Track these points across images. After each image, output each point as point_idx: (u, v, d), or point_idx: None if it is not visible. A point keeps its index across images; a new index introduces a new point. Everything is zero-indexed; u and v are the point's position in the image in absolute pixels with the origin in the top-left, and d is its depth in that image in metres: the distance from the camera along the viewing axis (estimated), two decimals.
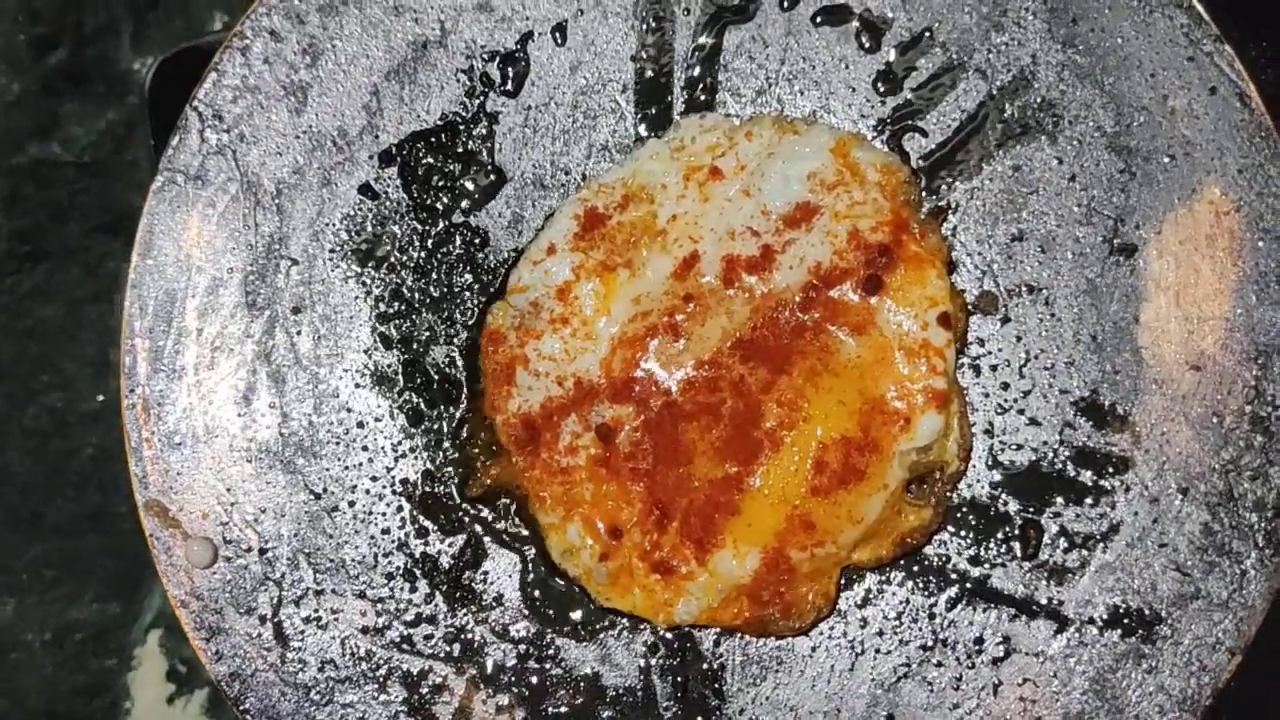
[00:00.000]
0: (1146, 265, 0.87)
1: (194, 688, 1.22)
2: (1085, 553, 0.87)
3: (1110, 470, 0.87)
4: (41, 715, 1.23)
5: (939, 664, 0.87)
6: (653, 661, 0.89)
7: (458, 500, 0.91)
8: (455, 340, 0.92)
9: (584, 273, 0.89)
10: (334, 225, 0.91)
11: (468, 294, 0.92)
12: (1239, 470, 0.85)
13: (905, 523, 0.87)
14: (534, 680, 0.89)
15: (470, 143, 0.92)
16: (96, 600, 1.22)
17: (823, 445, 0.85)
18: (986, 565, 0.87)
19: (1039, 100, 0.88)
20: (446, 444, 0.91)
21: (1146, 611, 0.86)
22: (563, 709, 0.89)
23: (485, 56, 0.91)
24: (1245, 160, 0.86)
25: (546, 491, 0.89)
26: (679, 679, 0.89)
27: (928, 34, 0.89)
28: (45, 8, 1.23)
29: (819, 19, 0.90)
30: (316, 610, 0.89)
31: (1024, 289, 0.88)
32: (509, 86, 0.92)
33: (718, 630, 0.89)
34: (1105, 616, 0.86)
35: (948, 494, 0.88)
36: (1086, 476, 0.87)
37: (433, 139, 0.92)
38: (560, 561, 0.89)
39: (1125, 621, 0.86)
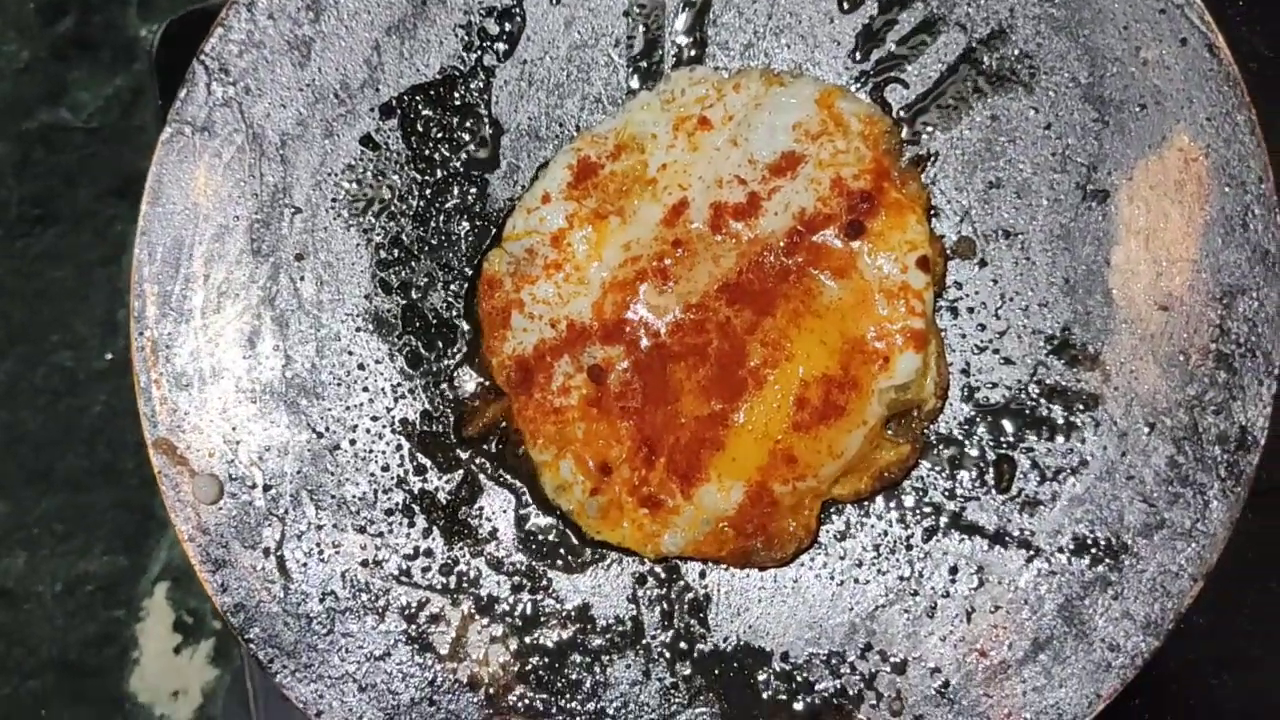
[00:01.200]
0: (1118, 210, 0.90)
1: (199, 638, 1.26)
2: (1056, 486, 0.89)
3: (1081, 407, 0.89)
4: (53, 664, 1.26)
5: (915, 593, 0.90)
6: (640, 592, 0.92)
7: (454, 439, 0.94)
8: (453, 286, 0.95)
9: (577, 220, 0.92)
10: (336, 175, 0.94)
11: (465, 241, 0.95)
12: (1203, 406, 0.88)
13: (884, 458, 0.90)
14: (527, 611, 0.92)
15: (468, 96, 0.95)
16: (106, 553, 1.26)
17: (804, 383, 0.88)
18: (961, 498, 0.90)
19: (1016, 52, 0.91)
20: (444, 385, 0.94)
21: (1114, 541, 0.88)
22: (555, 638, 0.92)
23: (482, 12, 0.95)
24: (1213, 109, 0.89)
25: (540, 430, 0.92)
26: (666, 608, 0.92)
27: None
28: None
29: None
30: (318, 544, 0.92)
31: (1000, 234, 0.91)
32: (505, 41, 0.95)
33: (703, 562, 0.92)
34: (1074, 546, 0.89)
35: (925, 430, 0.91)
36: (1058, 413, 0.90)
37: (431, 92, 0.95)
38: (553, 497, 0.93)
39: (1093, 550, 0.89)
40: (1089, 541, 0.89)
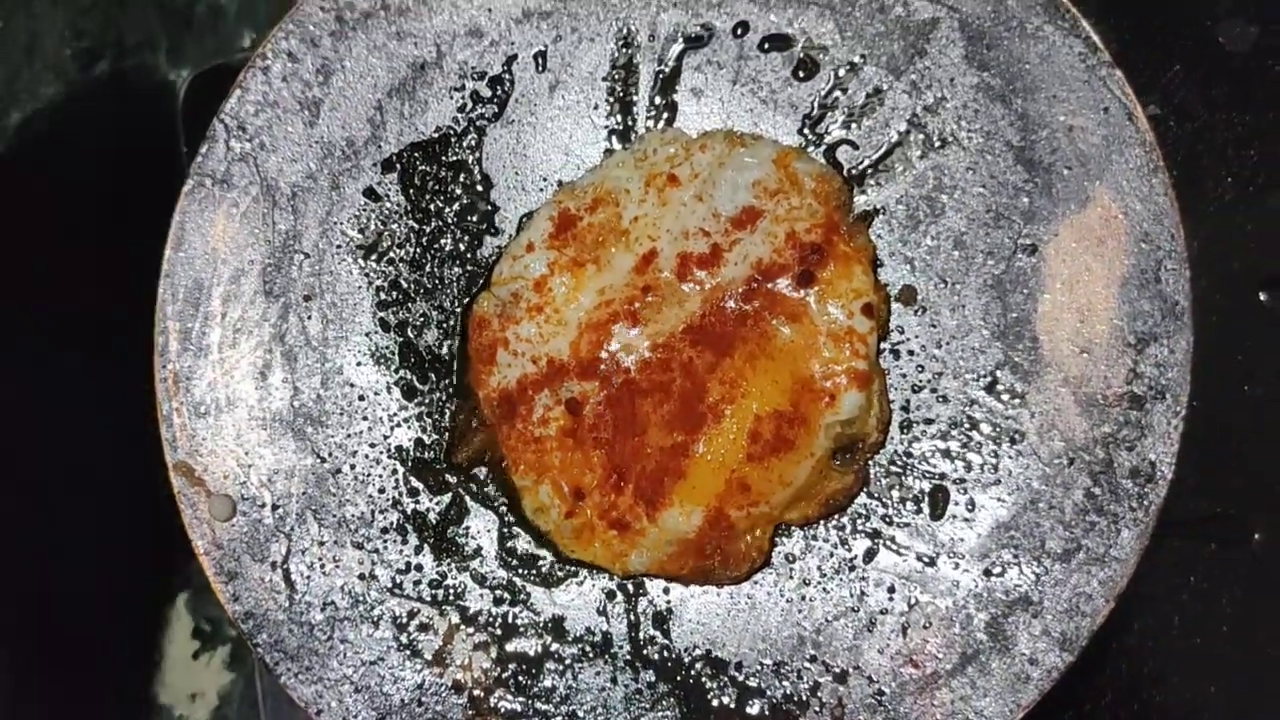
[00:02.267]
0: (1045, 262, 0.97)
1: (217, 645, 1.32)
2: (984, 513, 0.96)
3: (1008, 442, 0.96)
4: None
5: (856, 610, 0.97)
6: (609, 606, 0.99)
7: (445, 465, 1.01)
8: (445, 325, 1.02)
9: (557, 267, 0.99)
10: (341, 224, 1.02)
11: (456, 285, 1.03)
12: (1117, 442, 0.95)
13: (830, 486, 0.98)
14: (506, 621, 0.99)
15: (461, 152, 1.02)
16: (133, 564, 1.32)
17: (758, 418, 0.95)
18: (899, 524, 0.97)
19: (956, 117, 0.98)
20: (436, 415, 1.01)
21: (1035, 565, 0.95)
22: (531, 647, 0.99)
23: (475, 77, 1.02)
24: (1131, 172, 0.96)
25: (521, 458, 0.99)
26: (632, 621, 0.99)
27: (861, 59, 0.99)
28: (88, 25, 1.33)
29: (766, 45, 1.01)
30: (320, 559, 1.00)
31: (940, 282, 0.98)
32: (495, 104, 1.02)
33: (667, 579, 0.99)
34: (999, 569, 0.96)
35: (868, 462, 0.98)
36: (988, 448, 0.97)
37: (428, 149, 1.02)
38: (532, 518, 1.00)
39: (1016, 573, 0.95)
40: (1013, 565, 0.96)
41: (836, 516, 0.98)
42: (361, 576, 1.00)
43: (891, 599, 0.97)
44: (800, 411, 0.96)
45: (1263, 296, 1.21)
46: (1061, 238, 0.97)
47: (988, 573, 0.96)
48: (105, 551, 1.31)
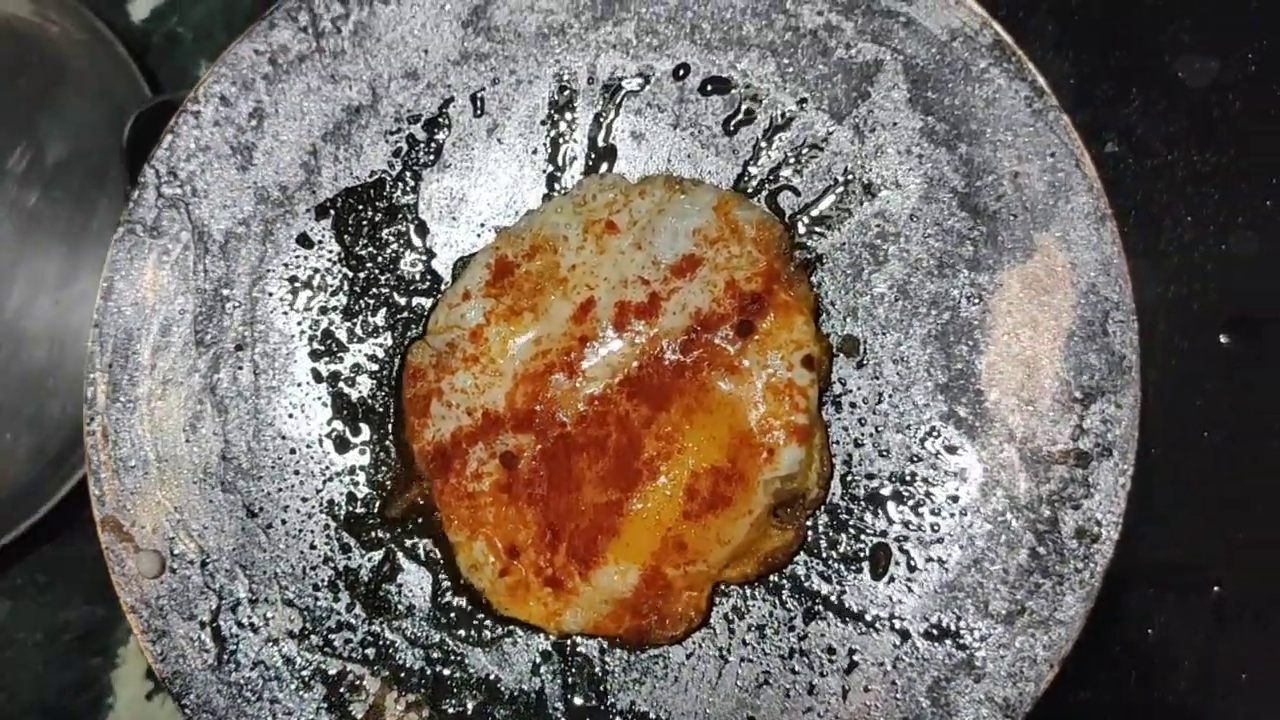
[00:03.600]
0: (991, 314, 0.92)
1: None
2: (926, 574, 0.92)
3: (952, 499, 0.92)
4: (33, 708, 1.29)
5: (795, 671, 0.92)
6: (544, 667, 0.95)
7: (378, 520, 0.97)
8: (380, 375, 0.98)
9: (494, 317, 0.95)
10: (274, 271, 0.98)
11: (390, 334, 0.99)
12: (1062, 501, 0.90)
13: (770, 544, 0.93)
14: (439, 682, 0.95)
15: (397, 197, 0.99)
16: (85, 603, 1.29)
17: (694, 475, 0.91)
18: (839, 583, 0.93)
19: (899, 163, 0.94)
20: (370, 469, 0.98)
21: (980, 627, 0.91)
22: (465, 707, 0.95)
23: (411, 120, 0.99)
24: (1078, 220, 0.92)
25: (455, 513, 0.95)
26: (567, 682, 0.94)
27: (802, 103, 0.96)
28: None
29: (707, 87, 0.97)
30: (250, 616, 0.96)
31: (882, 332, 0.94)
32: (431, 148, 0.99)
33: (603, 639, 0.95)
34: (940, 631, 0.91)
35: (808, 519, 0.94)
36: (930, 505, 0.92)
37: (363, 194, 0.99)
38: (466, 575, 0.96)
39: (958, 636, 0.91)
40: (955, 628, 0.91)
41: (775, 575, 0.94)
42: (292, 634, 0.96)
43: (832, 661, 0.92)
44: (738, 467, 0.92)
45: (1224, 339, 1.18)
46: (1007, 288, 0.93)
47: (929, 635, 0.91)
48: (55, 588, 1.30)
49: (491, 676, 0.96)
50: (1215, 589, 1.15)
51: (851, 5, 0.96)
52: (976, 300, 0.93)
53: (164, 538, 0.97)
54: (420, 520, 0.98)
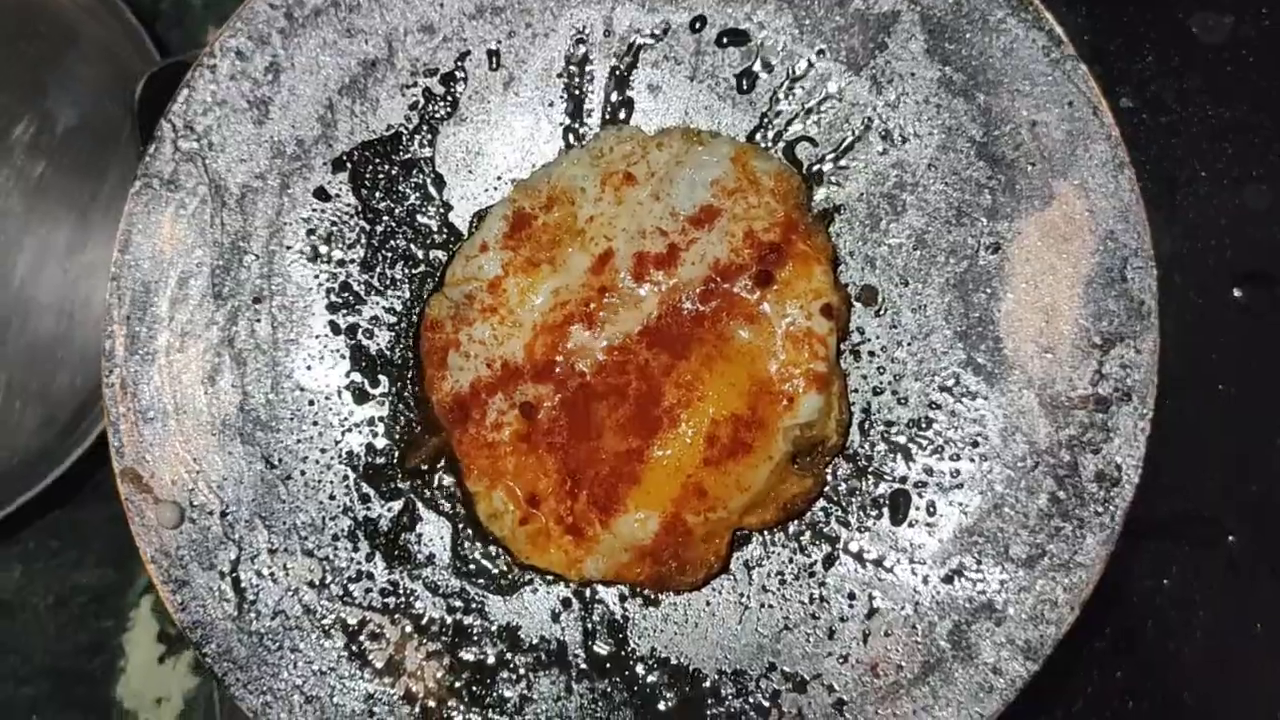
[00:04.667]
0: (1008, 261, 0.95)
1: (182, 649, 1.31)
2: (946, 519, 0.94)
3: (970, 445, 0.94)
4: (46, 671, 1.31)
5: (815, 616, 0.94)
6: (564, 615, 0.97)
7: (397, 470, 0.99)
8: (398, 327, 1.01)
9: (512, 268, 0.97)
10: (291, 224, 1.00)
11: (408, 286, 1.01)
12: (1082, 446, 0.93)
13: (789, 490, 0.95)
14: (459, 630, 0.97)
15: (413, 150, 1.01)
16: (96, 566, 1.31)
17: (714, 422, 0.93)
18: (859, 529, 0.95)
19: (917, 113, 0.96)
20: (388, 420, 1.00)
21: (999, 571, 0.93)
22: (485, 656, 0.97)
23: (427, 73, 1.01)
24: (1096, 168, 0.94)
25: (475, 463, 0.97)
26: (587, 629, 0.97)
27: (820, 53, 0.98)
28: None
29: (724, 40, 0.99)
30: (270, 567, 0.98)
31: (901, 282, 0.96)
32: (448, 101, 1.01)
33: (623, 586, 0.97)
34: (962, 575, 0.93)
35: (827, 465, 0.96)
36: (950, 451, 0.95)
37: (380, 147, 1.01)
38: (486, 524, 0.98)
39: (979, 580, 0.93)
40: (975, 571, 0.94)
41: (795, 521, 0.96)
42: (312, 584, 0.98)
43: (852, 605, 0.95)
44: (758, 415, 0.94)
45: (1237, 293, 1.20)
46: (1025, 235, 0.95)
47: (949, 579, 0.94)
48: (67, 552, 1.32)
49: (512, 624, 0.98)
50: (1229, 539, 1.18)
51: None
52: (994, 249, 0.95)
53: (183, 489, 0.98)
54: (440, 471, 1.00)
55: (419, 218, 1.01)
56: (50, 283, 1.35)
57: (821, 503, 0.96)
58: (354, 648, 0.98)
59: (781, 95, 0.99)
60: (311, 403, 1.00)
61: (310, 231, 1.01)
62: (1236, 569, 1.17)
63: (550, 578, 0.98)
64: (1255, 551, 1.18)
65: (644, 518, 0.94)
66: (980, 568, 0.94)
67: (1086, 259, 0.94)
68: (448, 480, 1.00)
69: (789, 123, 0.99)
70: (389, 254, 1.01)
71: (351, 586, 0.99)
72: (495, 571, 0.99)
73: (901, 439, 0.96)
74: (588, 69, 1.01)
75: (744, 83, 1.00)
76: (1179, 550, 1.18)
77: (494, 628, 0.98)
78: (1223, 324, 1.20)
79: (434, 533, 0.99)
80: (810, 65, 0.98)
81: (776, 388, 0.94)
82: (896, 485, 0.96)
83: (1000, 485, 0.94)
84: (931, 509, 0.95)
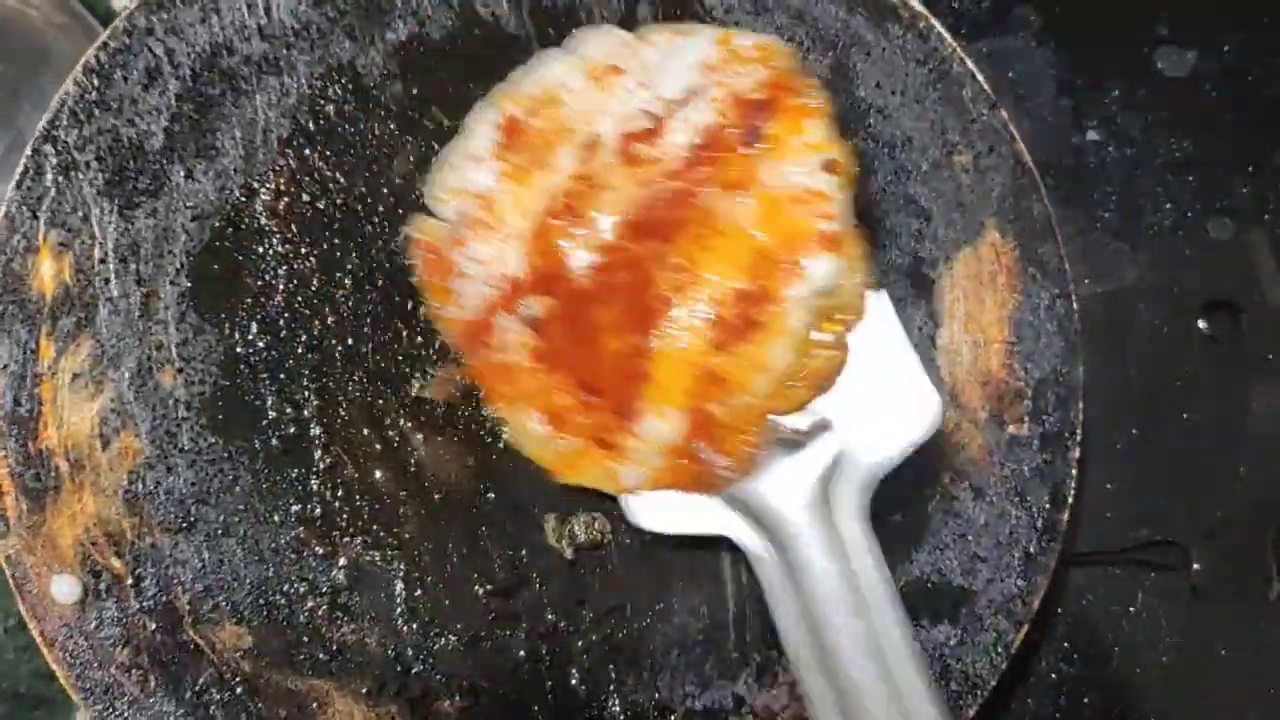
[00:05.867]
0: (942, 297, 1.05)
1: None
2: (905, 550, 1.04)
3: (920, 480, 1.03)
4: (6, 696, 1.30)
5: None
6: (526, 666, 1.01)
7: (341, 524, 1.01)
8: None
9: (505, 177, 0.99)
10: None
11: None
12: (1024, 472, 1.03)
13: (816, 364, 0.95)
14: (416, 689, 1.00)
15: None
16: None
17: (716, 302, 0.92)
18: None
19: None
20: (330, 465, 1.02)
21: (957, 594, 1.03)
22: (445, 714, 1.00)
23: None
24: (1018, 208, 1.05)
25: (496, 388, 0.99)
26: (551, 681, 1.01)
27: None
28: None
29: None
30: (194, 636, 0.98)
31: None
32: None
33: (591, 637, 1.02)
34: (922, 602, 1.03)
35: (847, 329, 0.96)
36: (901, 487, 1.00)
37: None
38: (518, 446, 1.00)
39: (938, 603, 1.03)
40: (934, 595, 1.03)
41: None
42: (246, 653, 1.00)
43: None
44: (765, 288, 0.93)
45: (1202, 324, 1.29)
46: (956, 273, 1.06)
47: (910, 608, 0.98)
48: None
49: (472, 680, 1.01)
50: (1193, 566, 1.25)
51: None
52: (929, 284, 1.06)
53: (83, 558, 0.97)
54: (377, 527, 1.02)
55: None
56: None
57: None
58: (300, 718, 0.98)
59: None
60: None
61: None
62: (1200, 594, 1.24)
63: (504, 630, 1.02)
64: (1219, 577, 1.25)
65: (664, 414, 0.95)
66: (938, 592, 1.04)
67: (1013, 293, 1.05)
68: (391, 532, 1.02)
69: None
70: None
71: (292, 651, 1.00)
72: (452, 625, 1.02)
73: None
74: None
75: None
76: (1144, 575, 1.25)
77: (452, 684, 1.01)
78: (1187, 353, 1.29)
79: (381, 585, 1.01)
80: None
81: (781, 256, 0.93)
82: None
83: (949, 516, 1.05)
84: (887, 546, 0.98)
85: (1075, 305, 1.05)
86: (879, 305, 0.95)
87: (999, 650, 1.03)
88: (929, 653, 1.02)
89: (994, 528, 1.04)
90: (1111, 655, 1.25)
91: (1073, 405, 1.04)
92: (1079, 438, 1.04)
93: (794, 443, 0.94)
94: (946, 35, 1.06)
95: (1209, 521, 1.26)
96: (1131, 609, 1.25)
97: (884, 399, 0.95)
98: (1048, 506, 1.04)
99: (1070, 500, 1.04)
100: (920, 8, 1.06)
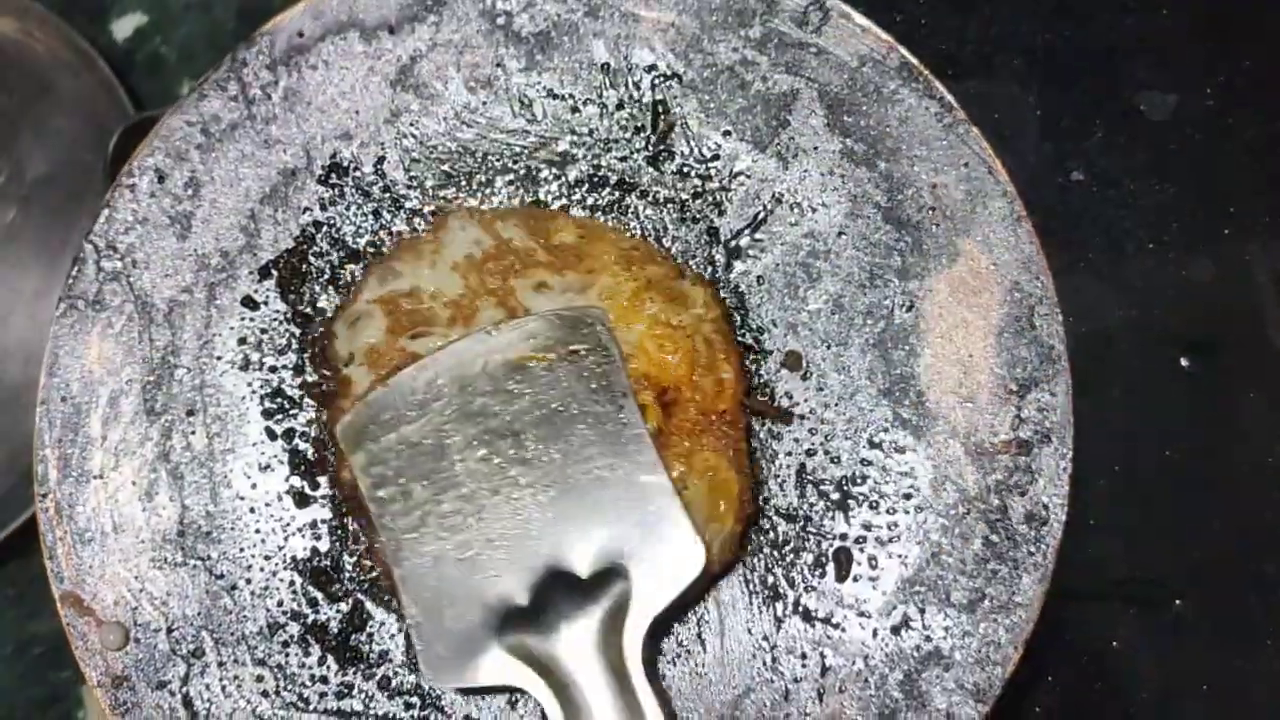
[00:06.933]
0: (923, 318, 1.08)
1: None
2: (888, 572, 1.06)
3: (905, 497, 1.07)
4: None
5: (770, 680, 1.05)
6: (521, 704, 1.08)
7: (343, 569, 1.09)
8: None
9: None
10: (221, 335, 1.11)
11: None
12: (1009, 489, 1.05)
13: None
14: None
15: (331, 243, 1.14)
16: (55, 617, 1.36)
17: None
18: (805, 588, 1.06)
19: (822, 184, 1.11)
20: (331, 521, 1.10)
21: (943, 617, 1.04)
22: None
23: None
24: (996, 223, 1.09)
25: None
26: (545, 717, 1.04)
27: (726, 134, 1.13)
28: None
29: None
30: (221, 680, 1.07)
31: (824, 346, 1.09)
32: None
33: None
34: (909, 626, 1.05)
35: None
36: (885, 505, 1.07)
37: (301, 248, 1.14)
38: None
39: (925, 629, 1.05)
40: (921, 621, 1.05)
41: (743, 585, 1.08)
42: (264, 693, 1.08)
43: (805, 665, 1.06)
44: None
45: (1184, 361, 1.35)
46: (936, 292, 1.09)
47: (897, 630, 1.05)
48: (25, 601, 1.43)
49: (470, 716, 1.07)
50: (1176, 603, 1.31)
51: (764, 40, 1.13)
52: (909, 307, 1.09)
53: (127, 608, 1.07)
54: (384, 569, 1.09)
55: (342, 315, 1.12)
56: (17, 328, 1.47)
57: (767, 565, 1.08)
58: None
59: (695, 175, 1.13)
60: (252, 510, 1.10)
61: (241, 340, 1.12)
62: (1183, 630, 1.31)
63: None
64: (1202, 613, 1.32)
65: None
66: (925, 616, 1.05)
67: (995, 310, 1.08)
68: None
69: (697, 199, 1.14)
70: (318, 356, 1.12)
71: (306, 692, 1.07)
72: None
73: (838, 496, 1.08)
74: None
75: (657, 164, 1.14)
76: (1128, 612, 1.31)
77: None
78: (1170, 391, 1.35)
79: (385, 631, 1.09)
80: (718, 146, 1.13)
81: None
82: (838, 543, 1.07)
83: (936, 534, 1.06)
84: (873, 563, 1.06)
85: (1060, 314, 1.09)
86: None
87: (999, 664, 1.06)
88: (917, 689, 1.06)
89: (986, 548, 1.07)
90: (1095, 689, 1.31)
91: (1063, 416, 1.08)
92: (1070, 449, 1.08)
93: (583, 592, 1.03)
94: (912, 59, 1.13)
95: (1192, 559, 1.33)
96: (1115, 645, 1.32)
97: (657, 544, 1.02)
98: (1039, 525, 1.07)
99: (1064, 514, 1.07)
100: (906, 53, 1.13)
